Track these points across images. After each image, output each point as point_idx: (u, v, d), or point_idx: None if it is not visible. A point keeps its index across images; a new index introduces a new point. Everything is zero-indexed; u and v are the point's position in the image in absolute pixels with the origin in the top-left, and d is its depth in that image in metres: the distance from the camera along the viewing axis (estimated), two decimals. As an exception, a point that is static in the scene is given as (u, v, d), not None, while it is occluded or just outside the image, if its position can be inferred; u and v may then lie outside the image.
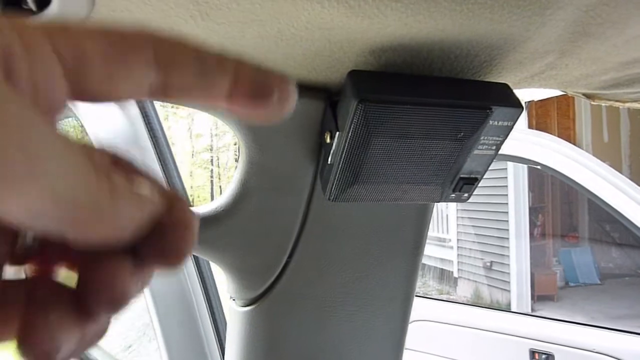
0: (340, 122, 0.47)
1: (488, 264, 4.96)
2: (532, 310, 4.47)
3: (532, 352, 2.30)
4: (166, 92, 0.20)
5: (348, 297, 0.64)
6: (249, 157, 0.54)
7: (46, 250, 0.20)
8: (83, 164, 0.15)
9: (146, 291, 1.03)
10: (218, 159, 14.15)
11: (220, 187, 13.65)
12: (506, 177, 4.67)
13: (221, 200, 0.57)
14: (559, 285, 4.84)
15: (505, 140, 0.51)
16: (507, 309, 4.33)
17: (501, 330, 2.43)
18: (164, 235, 0.19)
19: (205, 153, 14.07)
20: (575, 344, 2.19)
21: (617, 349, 2.12)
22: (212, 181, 13.92)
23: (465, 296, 5.27)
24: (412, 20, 0.38)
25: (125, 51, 0.18)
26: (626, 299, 4.09)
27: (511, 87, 0.50)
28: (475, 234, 5.15)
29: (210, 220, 0.55)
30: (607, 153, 5.36)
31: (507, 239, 4.67)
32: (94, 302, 0.18)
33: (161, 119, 1.10)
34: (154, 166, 1.04)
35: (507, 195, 4.68)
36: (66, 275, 0.20)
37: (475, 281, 5.13)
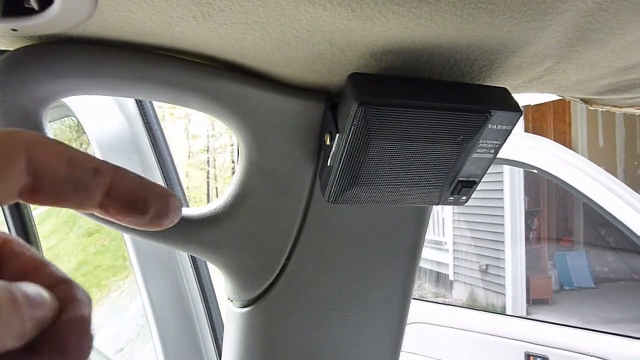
0: (341, 124, 0.47)
1: (484, 267, 4.97)
2: (527, 313, 4.49)
3: (527, 355, 2.31)
4: (35, 196, 0.20)
5: (346, 299, 0.64)
6: (248, 158, 0.54)
7: None
8: None
9: (143, 292, 1.03)
10: (215, 160, 14.14)
11: (216, 188, 13.63)
12: (502, 181, 4.69)
13: (220, 201, 0.57)
14: (554, 289, 4.86)
15: (504, 144, 0.52)
16: (503, 312, 4.33)
17: (496, 333, 2.43)
18: (59, 335, 0.18)
19: (201, 154, 14.05)
20: (569, 347, 2.20)
21: (611, 353, 2.12)
22: (208, 182, 13.90)
23: (461, 299, 5.28)
24: (413, 24, 0.38)
25: None
26: (620, 303, 4.11)
27: (510, 91, 0.51)
28: (471, 237, 5.16)
29: (208, 221, 0.55)
30: (602, 157, 5.38)
31: (503, 242, 4.69)
32: None
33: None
34: (153, 166, 1.04)
35: (503, 198, 4.70)
36: None
37: (471, 284, 5.14)
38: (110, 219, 0.21)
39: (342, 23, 0.38)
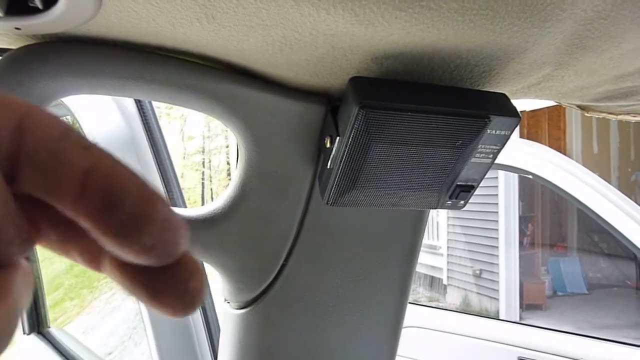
0: (341, 127, 0.48)
1: (477, 272, 4.98)
2: (521, 318, 4.50)
3: (520, 360, 2.31)
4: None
5: (343, 302, 0.65)
6: (248, 159, 0.54)
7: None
8: None
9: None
10: (210, 161, 14.10)
11: (211, 189, 13.59)
12: (497, 186, 4.71)
13: (218, 202, 0.57)
14: (548, 294, 4.87)
15: (502, 149, 0.52)
16: (496, 317, 4.35)
17: (490, 338, 2.44)
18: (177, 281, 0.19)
19: (197, 155, 14.01)
20: (562, 352, 2.20)
21: (604, 358, 2.13)
22: (203, 183, 13.86)
23: (455, 304, 5.29)
24: (415, 29, 0.39)
25: None
26: (613, 309, 4.13)
27: (509, 96, 0.51)
28: (466, 242, 5.18)
29: (206, 222, 0.55)
30: (596, 164, 5.42)
31: (497, 247, 4.70)
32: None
33: (155, 119, 1.10)
34: (151, 165, 1.04)
35: (497, 204, 4.71)
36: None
37: (465, 289, 5.15)
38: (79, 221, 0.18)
39: (344, 27, 0.38)
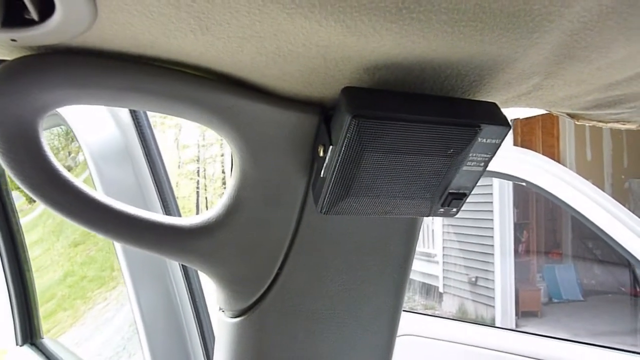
0: (334, 136, 0.48)
1: (473, 279, 4.98)
2: (516, 326, 4.50)
3: (516, 368, 2.31)
4: None
5: (337, 310, 0.65)
6: (242, 169, 0.54)
7: None
8: None
9: (133, 301, 1.02)
10: (205, 170, 14.07)
11: (206, 198, 13.56)
12: (492, 194, 4.73)
13: (213, 211, 0.57)
14: (543, 301, 4.88)
15: (493, 158, 0.53)
16: (492, 325, 4.34)
17: (485, 346, 2.43)
18: None
19: (191, 164, 13.98)
20: (558, 359, 2.20)
21: (599, 365, 2.14)
22: (197, 192, 13.83)
23: (451, 311, 5.28)
24: (405, 41, 0.39)
25: None
26: (608, 316, 4.14)
27: (499, 106, 0.52)
28: (461, 250, 5.18)
29: (201, 231, 0.56)
30: (590, 171, 5.45)
31: (492, 254, 4.71)
32: None
33: (150, 128, 1.10)
34: (145, 174, 1.04)
35: (492, 211, 4.73)
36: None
37: (461, 296, 5.15)
38: None
39: (337, 38, 0.39)
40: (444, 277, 5.36)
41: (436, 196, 0.54)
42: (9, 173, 0.46)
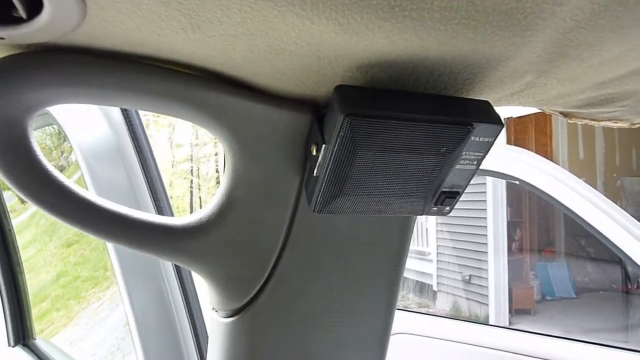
0: (327, 135, 0.48)
1: (467, 277, 5.01)
2: (510, 323, 4.52)
3: (510, 365, 2.32)
4: None
5: (331, 309, 0.65)
6: (235, 168, 0.54)
7: None
8: None
9: (126, 302, 1.02)
10: (198, 170, 14.04)
11: (200, 197, 13.53)
12: (485, 192, 4.75)
13: (206, 210, 0.57)
14: (536, 299, 4.91)
15: (486, 156, 0.53)
16: (486, 322, 4.36)
17: (479, 343, 2.44)
18: None
19: (185, 163, 13.95)
20: (551, 356, 2.22)
21: (592, 362, 2.15)
22: (191, 192, 13.79)
23: (445, 309, 5.30)
24: (398, 39, 0.39)
25: None
26: (601, 313, 4.17)
27: (492, 104, 0.52)
28: (455, 248, 5.20)
29: (194, 231, 0.55)
30: (582, 169, 5.49)
31: (486, 253, 4.73)
32: None
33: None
34: (137, 173, 1.03)
35: (485, 209, 4.75)
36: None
37: (454, 294, 5.17)
38: None
39: (329, 36, 0.38)
40: (437, 275, 5.38)
41: (429, 195, 0.54)
42: (-2, 173, 0.45)
